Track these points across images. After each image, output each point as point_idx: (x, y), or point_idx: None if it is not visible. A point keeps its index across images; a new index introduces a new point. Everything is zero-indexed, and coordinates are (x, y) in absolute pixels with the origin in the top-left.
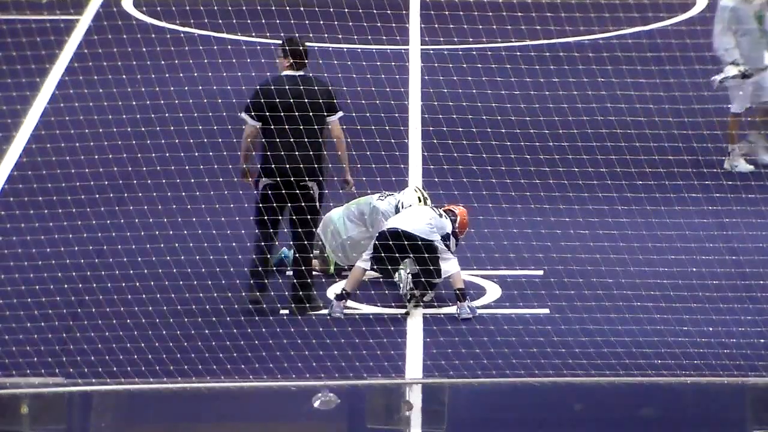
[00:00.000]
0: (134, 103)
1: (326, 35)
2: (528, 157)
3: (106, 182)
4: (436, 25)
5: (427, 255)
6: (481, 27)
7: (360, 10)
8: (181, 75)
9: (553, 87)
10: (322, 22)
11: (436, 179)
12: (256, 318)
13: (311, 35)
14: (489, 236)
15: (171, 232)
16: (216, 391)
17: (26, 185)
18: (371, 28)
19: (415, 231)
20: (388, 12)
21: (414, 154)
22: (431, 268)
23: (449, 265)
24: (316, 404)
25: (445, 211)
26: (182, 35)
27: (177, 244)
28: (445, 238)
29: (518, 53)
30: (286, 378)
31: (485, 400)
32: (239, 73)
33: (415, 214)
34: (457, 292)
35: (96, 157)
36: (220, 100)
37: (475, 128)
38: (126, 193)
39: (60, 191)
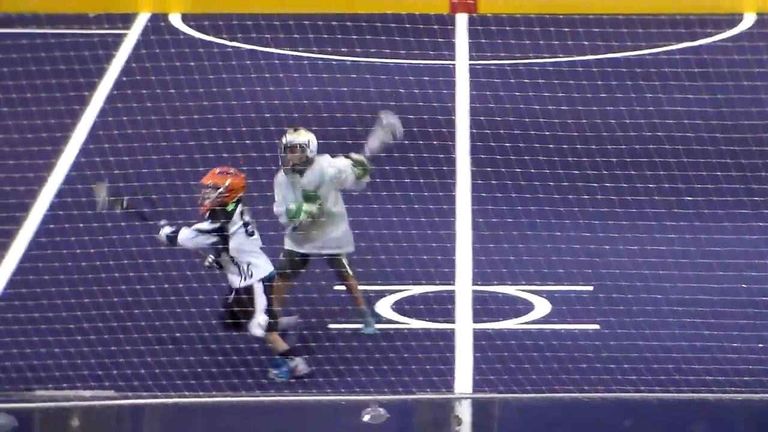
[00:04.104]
0: (182, 117)
1: (373, 50)
2: (576, 172)
3: (155, 196)
4: (483, 41)
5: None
6: (528, 42)
7: (407, 25)
8: (229, 89)
9: (600, 102)
10: (368, 37)
11: (484, 194)
12: (306, 332)
13: (358, 50)
14: (538, 251)
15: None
16: (266, 405)
17: (75, 198)
18: (418, 43)
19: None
20: (435, 27)
21: (462, 170)
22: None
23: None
24: (366, 419)
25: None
26: (230, 50)
27: None
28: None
29: (565, 69)
30: (335, 392)
31: (534, 415)
32: (286, 88)
33: None
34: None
35: (144, 170)
36: (267, 115)
37: (523, 143)
38: (174, 206)
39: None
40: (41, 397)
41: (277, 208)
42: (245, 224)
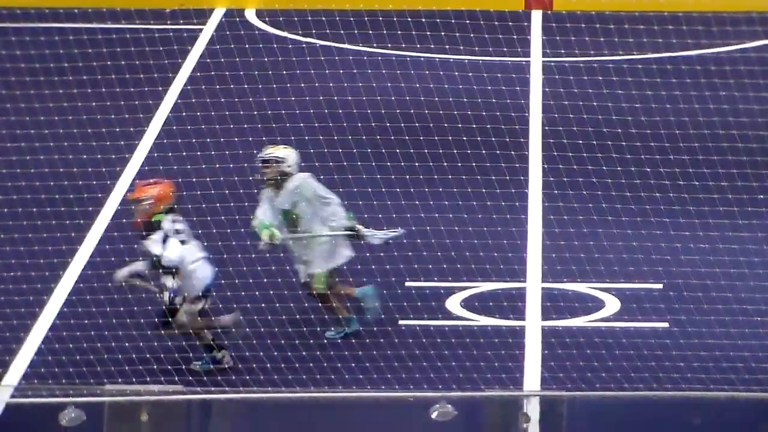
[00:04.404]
0: (255, 112)
1: (447, 46)
2: (648, 170)
3: (227, 191)
4: (558, 38)
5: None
6: (602, 39)
7: (482, 22)
8: (303, 85)
9: (674, 100)
10: (443, 33)
11: (556, 191)
12: (375, 328)
13: (432, 46)
14: (608, 249)
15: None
16: (334, 401)
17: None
18: (493, 40)
19: None
20: (510, 24)
21: (534, 166)
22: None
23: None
24: (434, 416)
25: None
26: (304, 45)
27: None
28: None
29: (640, 66)
30: (403, 389)
31: (603, 413)
32: (360, 84)
33: None
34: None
35: (217, 165)
36: (340, 111)
37: (596, 141)
38: (246, 201)
39: (180, 199)
40: (110, 392)
41: (254, 220)
42: (177, 232)
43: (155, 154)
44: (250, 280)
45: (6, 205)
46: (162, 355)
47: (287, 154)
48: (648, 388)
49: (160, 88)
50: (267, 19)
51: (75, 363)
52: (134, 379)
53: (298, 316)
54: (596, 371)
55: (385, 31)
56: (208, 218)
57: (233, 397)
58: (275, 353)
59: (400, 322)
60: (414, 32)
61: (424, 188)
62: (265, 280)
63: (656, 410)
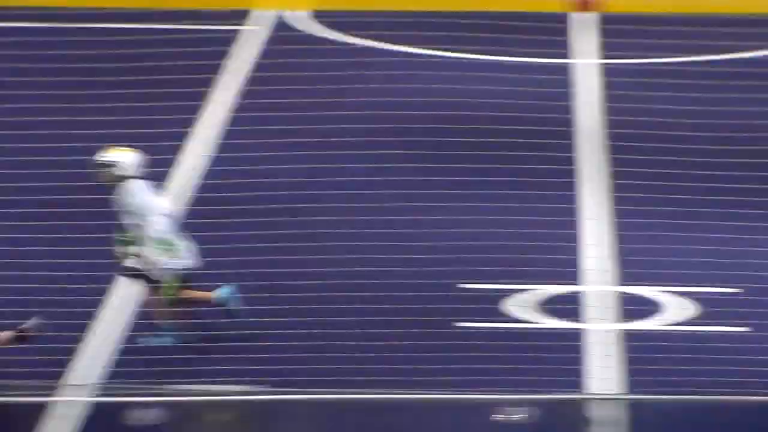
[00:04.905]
0: (299, 113)
1: (493, 47)
2: (720, 173)
3: (279, 192)
4: (601, 39)
5: None
6: (657, 41)
7: (525, 23)
8: (348, 86)
9: (747, 102)
10: (491, 35)
11: (625, 194)
12: (435, 330)
13: (479, 47)
14: (688, 253)
15: (351, 243)
16: (395, 403)
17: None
18: (545, 42)
19: None
20: (551, 25)
21: (600, 169)
22: None
23: None
24: (496, 417)
25: None
26: (338, 47)
27: (356, 255)
28: None
29: (690, 69)
30: (465, 391)
31: (671, 417)
32: (413, 85)
33: None
34: None
35: (269, 166)
36: (390, 113)
37: (664, 144)
38: (299, 203)
39: (237, 201)
40: (185, 392)
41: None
42: None
43: (211, 154)
44: (309, 281)
45: (66, 204)
46: (227, 356)
47: (119, 157)
48: (725, 393)
49: (207, 89)
50: (322, 20)
51: (132, 363)
52: (203, 379)
53: (359, 318)
54: (658, 375)
55: (436, 33)
56: (259, 219)
57: (296, 398)
58: (337, 354)
59: (459, 323)
60: (462, 33)
61: (487, 190)
62: (325, 282)
63: (735, 415)
